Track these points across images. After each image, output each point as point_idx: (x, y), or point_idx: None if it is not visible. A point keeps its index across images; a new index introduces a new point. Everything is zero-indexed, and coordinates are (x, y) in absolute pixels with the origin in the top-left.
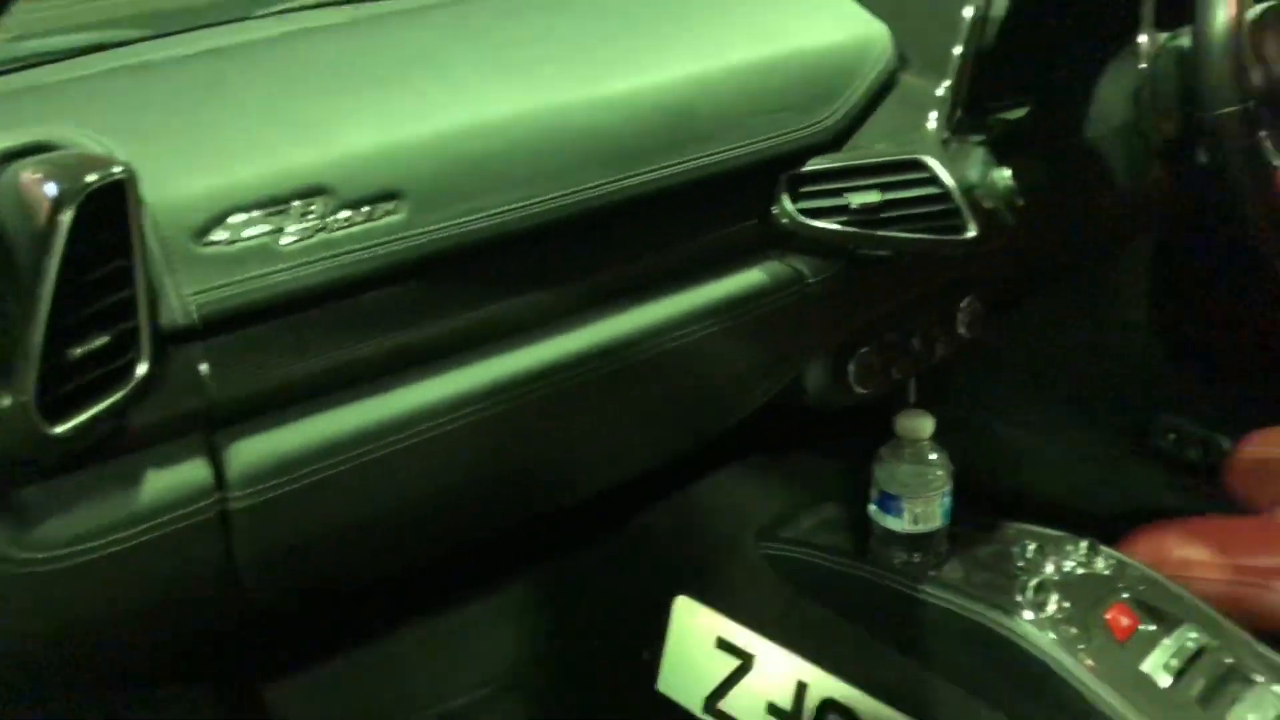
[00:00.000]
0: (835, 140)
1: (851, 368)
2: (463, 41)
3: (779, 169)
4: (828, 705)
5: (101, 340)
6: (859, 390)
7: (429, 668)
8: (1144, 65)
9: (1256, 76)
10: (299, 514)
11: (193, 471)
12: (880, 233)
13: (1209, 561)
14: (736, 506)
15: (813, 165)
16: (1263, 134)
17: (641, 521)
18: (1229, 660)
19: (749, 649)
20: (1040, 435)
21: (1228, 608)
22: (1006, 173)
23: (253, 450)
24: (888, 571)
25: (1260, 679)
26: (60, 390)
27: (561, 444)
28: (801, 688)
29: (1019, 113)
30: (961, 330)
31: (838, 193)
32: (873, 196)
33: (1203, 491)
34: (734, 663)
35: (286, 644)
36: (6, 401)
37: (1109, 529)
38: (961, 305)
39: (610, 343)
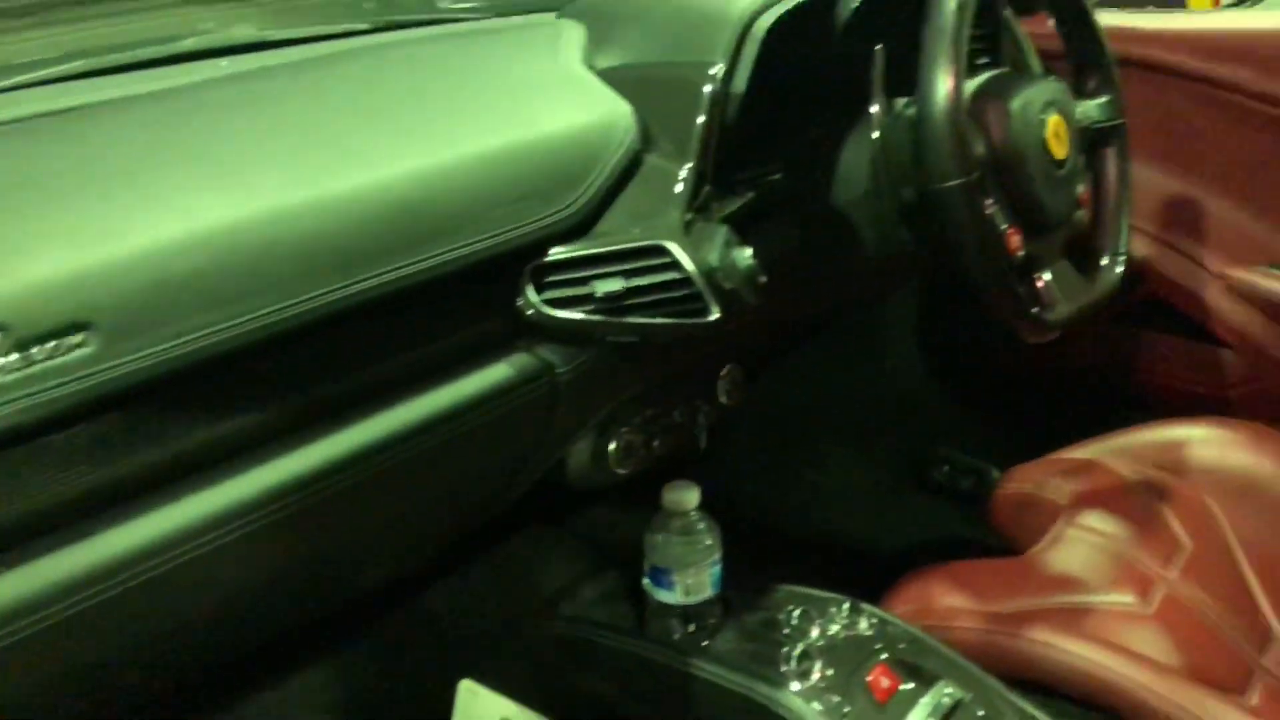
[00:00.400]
0: (581, 226)
1: (612, 447)
2: (168, 145)
3: (523, 260)
4: None
5: None
6: (620, 471)
7: None
8: (876, 135)
9: (979, 147)
10: (34, 660)
11: None
12: (626, 319)
13: (967, 609)
14: (520, 583)
15: (556, 255)
16: (990, 202)
17: (424, 604)
18: (982, 713)
19: None
20: (826, 474)
21: (984, 657)
22: (747, 253)
23: None
24: (663, 646)
25: None
26: None
27: (315, 556)
28: None
29: (769, 182)
30: (723, 399)
31: (583, 281)
32: (616, 285)
33: (979, 521)
34: None
35: None
36: None
37: (897, 561)
38: (721, 374)
39: (350, 456)
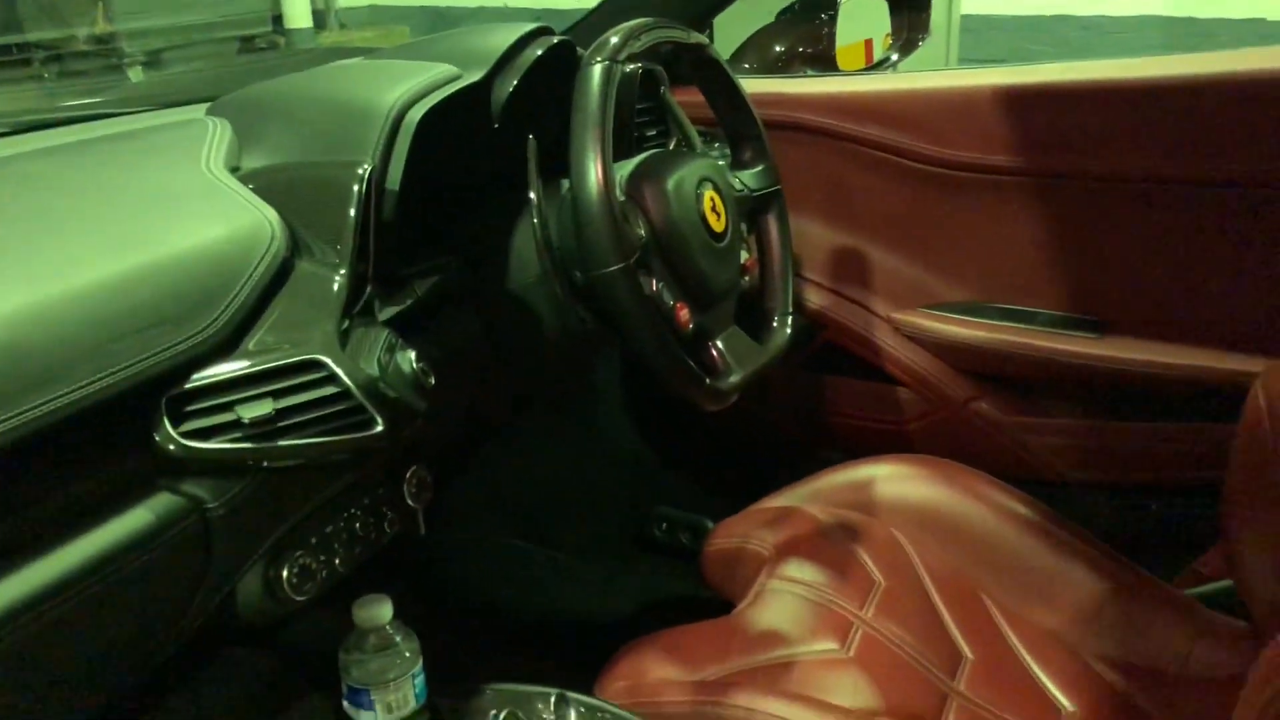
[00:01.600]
0: (224, 346)
1: (286, 575)
2: None
3: (157, 391)
4: None
5: None
6: (298, 598)
7: None
8: (535, 221)
9: (639, 228)
10: None
11: None
12: (280, 443)
13: (676, 681)
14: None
15: (195, 382)
16: (655, 281)
17: None
18: None
19: None
20: (550, 548)
21: None
22: (411, 355)
23: None
24: None
25: None
26: None
27: None
28: None
29: (442, 275)
30: (410, 502)
31: (228, 407)
32: (264, 408)
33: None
34: None
35: None
36: None
37: (624, 626)
38: (407, 477)
39: None
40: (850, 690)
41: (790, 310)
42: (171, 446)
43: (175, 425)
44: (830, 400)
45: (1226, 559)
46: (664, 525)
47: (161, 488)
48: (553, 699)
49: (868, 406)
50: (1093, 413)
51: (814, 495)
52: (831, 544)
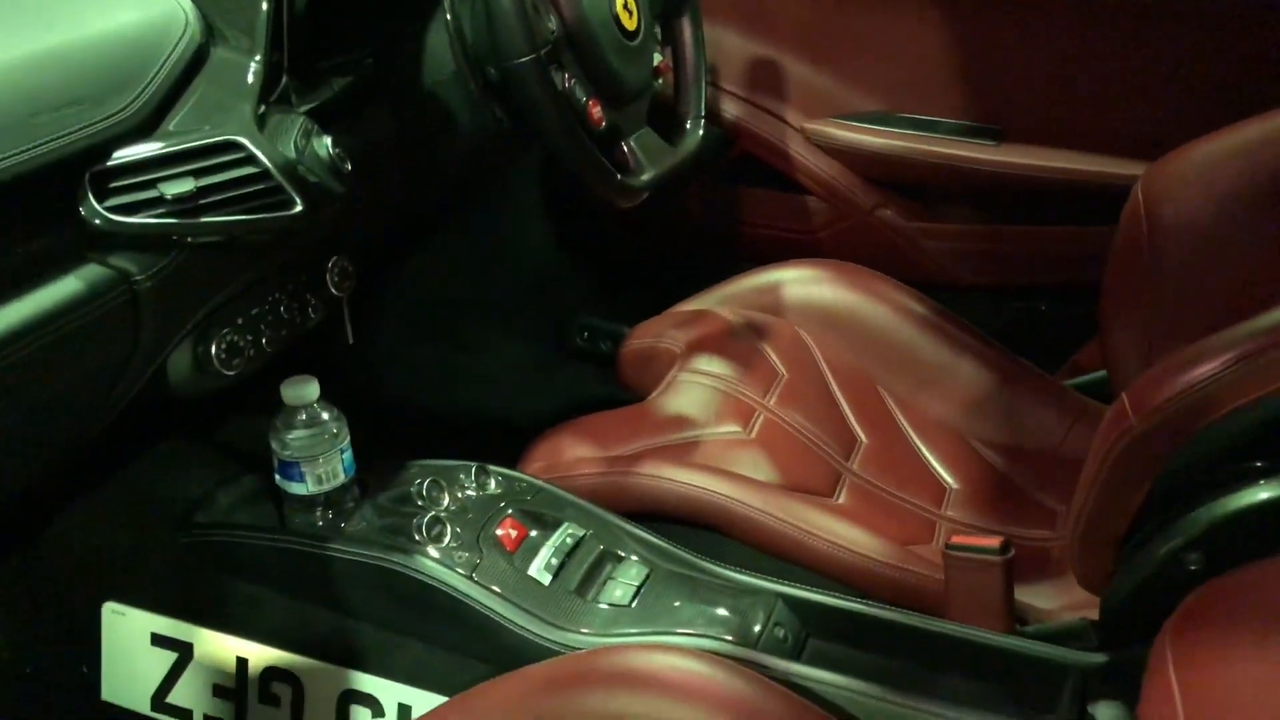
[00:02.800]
0: (142, 128)
1: (215, 350)
2: None
3: (81, 167)
4: (269, 673)
5: None
6: (228, 373)
7: None
8: (449, 16)
9: (550, 22)
10: None
11: None
12: (203, 219)
13: (590, 458)
14: (153, 499)
15: (117, 159)
16: (567, 76)
17: (59, 533)
18: (601, 546)
19: (184, 639)
20: (473, 356)
21: (604, 497)
22: (327, 141)
23: None
24: (303, 537)
25: (626, 554)
26: None
27: None
28: (242, 663)
29: (357, 71)
30: (333, 290)
31: (151, 184)
32: (186, 185)
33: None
34: (172, 656)
35: None
36: None
37: (540, 430)
38: (329, 266)
39: None
40: (750, 465)
41: (703, 114)
42: (97, 220)
43: (100, 200)
44: (744, 209)
45: (1103, 352)
46: (585, 334)
47: (91, 260)
48: (474, 469)
49: (781, 216)
50: (988, 218)
51: (725, 299)
52: (739, 341)
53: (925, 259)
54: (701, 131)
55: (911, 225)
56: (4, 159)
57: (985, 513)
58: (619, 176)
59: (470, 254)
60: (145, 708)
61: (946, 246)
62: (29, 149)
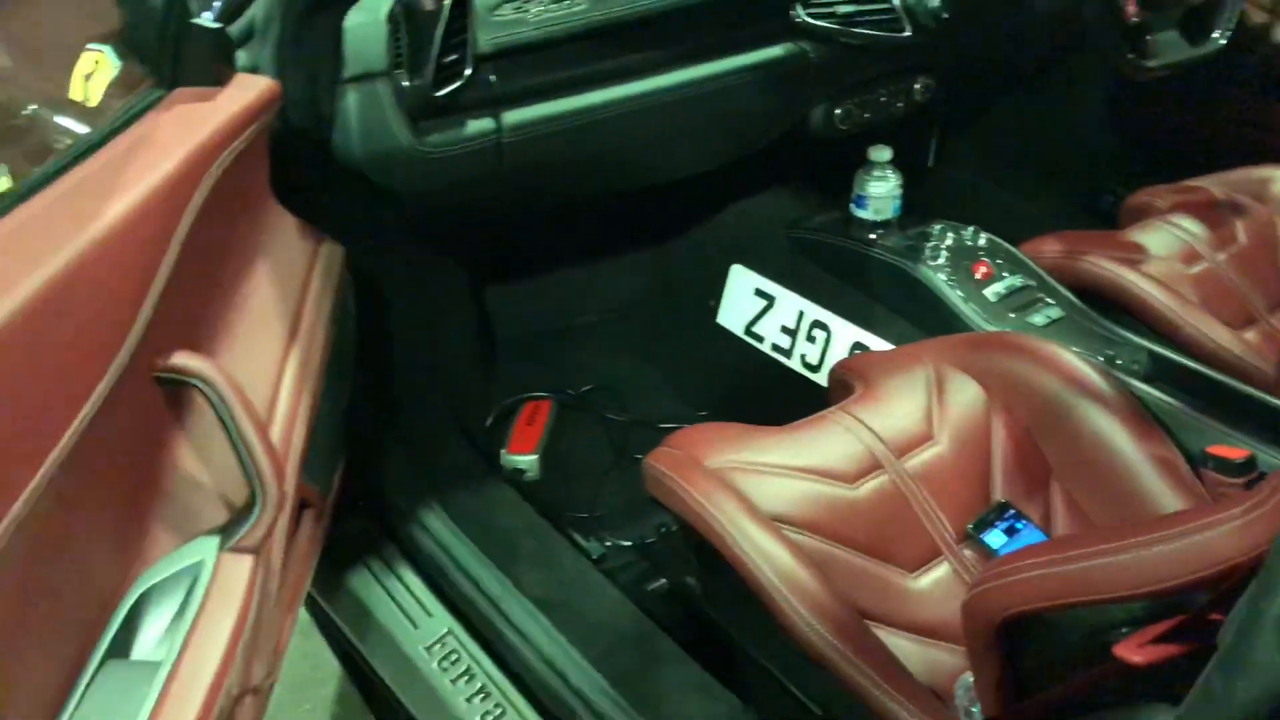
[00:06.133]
0: None
1: (838, 112)
2: None
3: None
4: (815, 324)
5: (452, 57)
6: (842, 128)
7: (569, 296)
8: None
9: None
10: (535, 149)
11: (487, 124)
12: (853, 29)
13: (1060, 249)
14: (774, 208)
15: None
16: None
17: (713, 217)
18: (1037, 295)
19: (772, 293)
20: (1016, 195)
21: (1058, 271)
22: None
23: (512, 116)
24: (858, 243)
25: (1050, 301)
26: (439, 77)
27: (663, 135)
28: (800, 314)
29: None
30: (916, 98)
31: (831, 4)
32: (850, 8)
33: None
34: (763, 303)
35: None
36: (418, 82)
37: None
38: (916, 82)
39: (691, 80)
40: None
41: (1231, 28)
42: (799, 19)
43: (804, 9)
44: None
45: None
46: (1111, 198)
47: (789, 40)
48: (972, 229)
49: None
50: None
51: (1220, 182)
52: (1204, 205)
53: None
54: (1223, 43)
55: None
56: None
57: None
58: (1130, 55)
59: (1024, 120)
60: (740, 330)
61: None
62: None
